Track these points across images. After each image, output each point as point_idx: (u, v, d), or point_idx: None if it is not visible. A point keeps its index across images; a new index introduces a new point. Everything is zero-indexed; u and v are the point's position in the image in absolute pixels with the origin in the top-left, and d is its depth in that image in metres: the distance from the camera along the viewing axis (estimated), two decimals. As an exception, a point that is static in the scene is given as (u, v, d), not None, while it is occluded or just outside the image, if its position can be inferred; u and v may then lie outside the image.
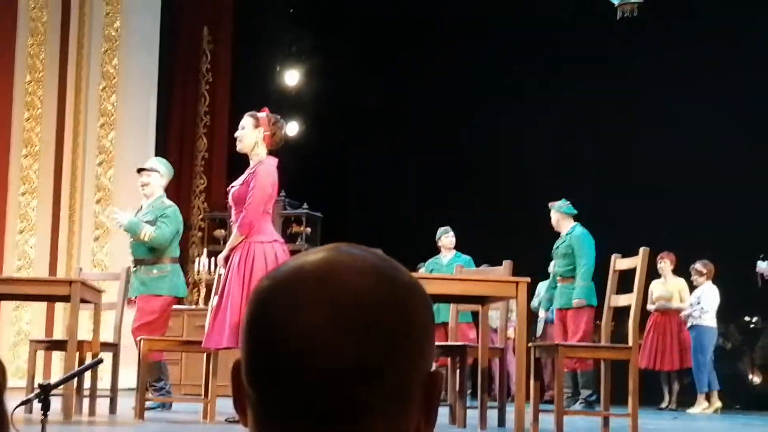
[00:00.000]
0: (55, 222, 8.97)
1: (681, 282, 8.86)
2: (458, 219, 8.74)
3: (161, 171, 6.23)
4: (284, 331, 0.71)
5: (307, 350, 0.70)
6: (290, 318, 0.71)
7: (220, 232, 9.95)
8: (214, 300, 5.07)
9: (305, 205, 10.16)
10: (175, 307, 9.11)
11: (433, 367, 0.76)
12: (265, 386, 0.72)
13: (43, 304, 8.64)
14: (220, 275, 5.16)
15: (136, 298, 6.09)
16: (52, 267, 8.89)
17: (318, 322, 0.70)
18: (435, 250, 8.60)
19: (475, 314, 7.35)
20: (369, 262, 0.74)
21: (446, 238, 8.49)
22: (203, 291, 9.41)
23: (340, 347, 0.69)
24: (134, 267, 6.17)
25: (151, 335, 5.79)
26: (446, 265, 8.31)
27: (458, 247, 8.50)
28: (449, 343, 5.44)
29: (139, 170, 6.30)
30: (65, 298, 5.20)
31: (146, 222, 6.14)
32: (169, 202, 6.27)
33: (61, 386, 3.79)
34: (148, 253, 6.14)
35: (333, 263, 0.73)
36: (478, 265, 7.82)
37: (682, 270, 8.80)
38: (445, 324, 6.00)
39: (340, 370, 0.69)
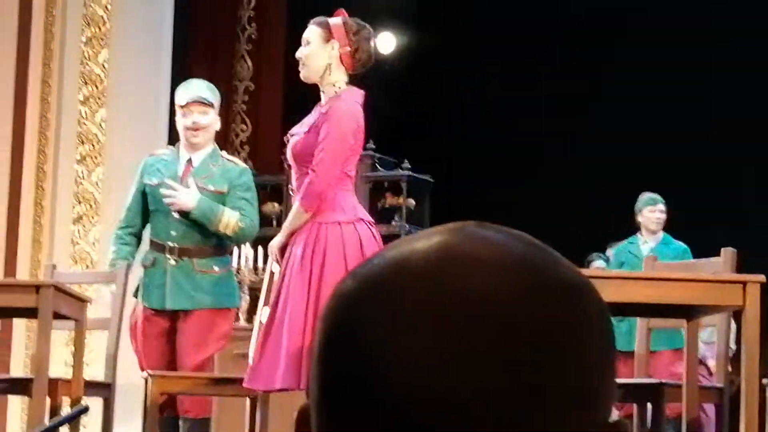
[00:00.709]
0: (14, 192, 8.87)
1: None
2: (657, 185, 8.71)
3: (217, 107, 6.18)
4: (379, 362, 0.73)
5: (413, 395, 0.72)
6: (388, 342, 0.73)
7: (271, 207, 9.91)
8: (263, 314, 5.18)
9: (406, 164, 10.03)
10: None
11: (614, 417, 0.76)
12: None
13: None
14: (272, 275, 5.28)
15: (184, 312, 5.96)
16: (9, 264, 8.85)
17: (431, 351, 0.72)
18: (626, 230, 8.62)
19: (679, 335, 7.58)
20: (510, 251, 0.76)
21: (650, 212, 8.44)
22: (246, 300, 9.17)
23: (464, 392, 0.71)
24: (171, 257, 5.99)
25: (204, 370, 5.91)
26: (647, 256, 8.29)
27: (669, 227, 8.47)
28: (636, 380, 5.44)
29: (188, 104, 6.04)
30: (30, 312, 5.33)
31: (213, 192, 6.01)
32: (237, 161, 6.33)
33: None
34: (204, 239, 6.00)
35: (453, 254, 0.75)
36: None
37: None
38: (630, 352, 6.05)
39: (464, 428, 0.72)
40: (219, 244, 6.08)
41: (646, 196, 8.53)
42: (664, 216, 8.44)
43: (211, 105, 6.06)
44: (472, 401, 0.70)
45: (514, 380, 0.71)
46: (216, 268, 6.02)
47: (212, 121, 6.09)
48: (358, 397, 0.73)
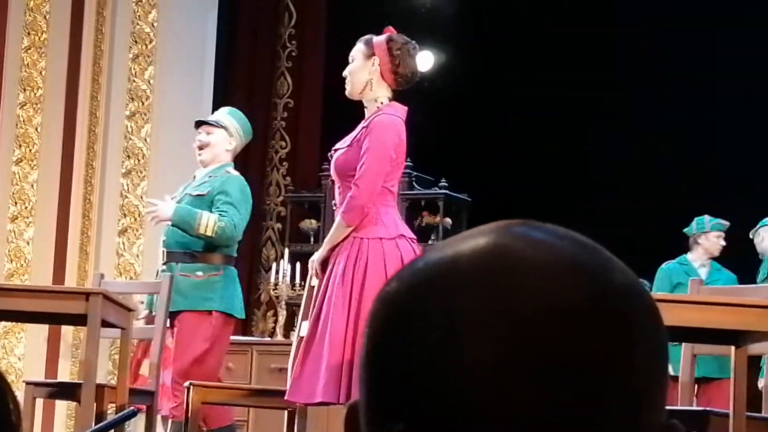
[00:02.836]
0: (64, 204, 9.20)
1: None
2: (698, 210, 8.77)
3: (231, 129, 6.52)
4: (427, 371, 0.71)
5: (465, 406, 0.70)
6: (437, 351, 0.71)
7: (310, 224, 10.15)
8: (302, 328, 5.21)
9: (443, 182, 10.26)
10: (238, 338, 9.26)
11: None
12: None
13: (44, 329, 8.86)
14: (312, 289, 5.29)
15: (171, 315, 6.20)
16: (58, 273, 9.14)
17: (483, 361, 0.70)
18: (665, 254, 8.58)
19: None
20: (561, 254, 0.74)
21: (716, 237, 8.46)
22: (283, 315, 9.63)
23: (522, 401, 0.70)
24: (163, 265, 6.39)
25: (205, 379, 5.91)
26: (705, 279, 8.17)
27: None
28: (680, 407, 5.27)
29: (198, 124, 6.56)
30: (79, 319, 5.40)
31: (196, 196, 6.34)
32: (235, 173, 6.52)
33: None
34: (189, 244, 6.32)
35: (503, 257, 0.73)
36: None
37: None
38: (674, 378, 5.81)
39: None
40: (202, 249, 6.30)
41: (713, 220, 8.43)
42: (722, 244, 8.40)
43: (218, 126, 6.49)
44: (526, 411, 0.69)
45: (571, 389, 0.70)
46: (199, 273, 6.26)
47: (217, 140, 6.45)
48: (406, 407, 0.72)
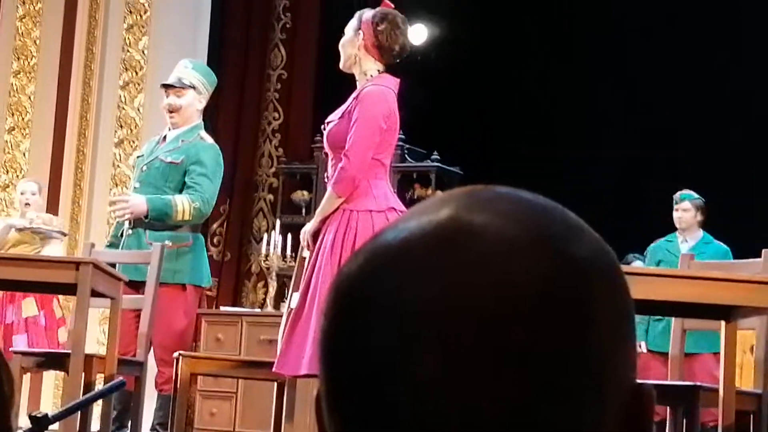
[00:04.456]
0: (55, 172, 9.23)
1: None
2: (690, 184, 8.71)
3: (199, 87, 6.44)
4: (376, 378, 0.69)
5: (419, 399, 0.68)
6: (384, 355, 0.69)
7: (301, 195, 10.19)
8: (293, 299, 5.20)
9: (435, 155, 10.28)
10: (228, 309, 9.33)
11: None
12: None
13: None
14: (303, 261, 5.28)
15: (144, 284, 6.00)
16: None
17: (436, 365, 0.68)
18: (661, 230, 8.56)
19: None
20: (526, 227, 0.71)
21: (675, 210, 8.41)
22: (273, 286, 9.66)
23: (476, 394, 0.68)
24: (130, 229, 6.28)
25: (182, 349, 5.88)
26: (683, 253, 8.03)
27: (707, 227, 8.39)
28: (670, 381, 5.24)
29: (165, 87, 6.46)
30: (68, 288, 5.39)
31: (169, 163, 6.26)
32: (208, 139, 6.44)
33: (62, 421, 3.81)
34: (157, 211, 6.23)
35: (462, 231, 0.70)
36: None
37: None
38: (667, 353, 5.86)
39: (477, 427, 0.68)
40: (171, 217, 6.16)
41: (685, 192, 8.38)
42: (687, 215, 8.29)
43: (188, 87, 6.35)
44: (483, 407, 0.67)
45: (528, 381, 0.67)
46: (169, 243, 6.09)
47: (188, 102, 6.33)
48: (353, 409, 0.70)
